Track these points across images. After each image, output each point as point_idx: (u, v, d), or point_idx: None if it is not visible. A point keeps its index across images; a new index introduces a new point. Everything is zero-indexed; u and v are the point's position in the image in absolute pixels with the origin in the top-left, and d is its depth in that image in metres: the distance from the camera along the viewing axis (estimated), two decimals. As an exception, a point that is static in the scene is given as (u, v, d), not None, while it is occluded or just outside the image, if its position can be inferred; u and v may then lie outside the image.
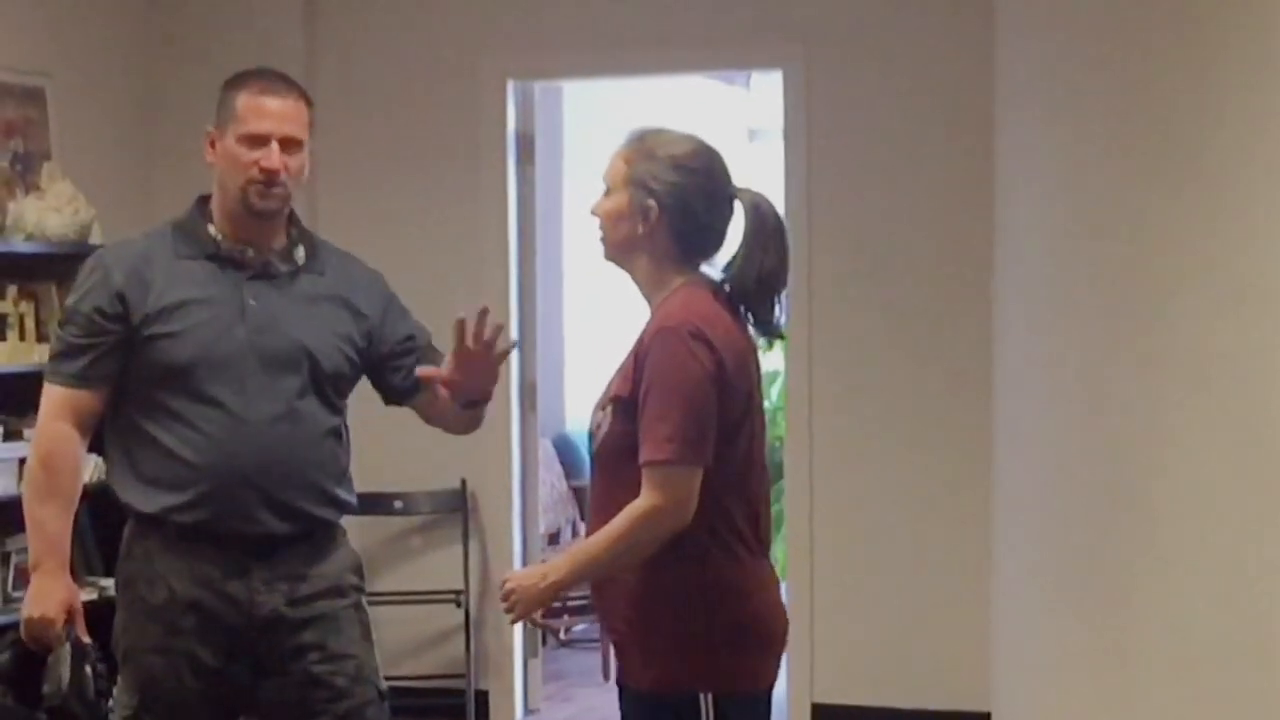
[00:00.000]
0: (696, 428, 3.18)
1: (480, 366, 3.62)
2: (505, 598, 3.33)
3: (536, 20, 6.94)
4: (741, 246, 3.35)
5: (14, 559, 5.99)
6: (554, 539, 8.66)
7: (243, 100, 3.71)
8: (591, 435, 3.39)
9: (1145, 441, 4.85)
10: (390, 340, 3.86)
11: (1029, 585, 5.49)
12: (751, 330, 3.40)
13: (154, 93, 7.10)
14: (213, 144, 3.75)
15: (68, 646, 3.60)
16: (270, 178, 3.68)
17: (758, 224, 3.35)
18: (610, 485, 3.29)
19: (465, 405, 3.77)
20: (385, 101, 7.01)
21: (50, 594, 3.65)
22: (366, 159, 7.04)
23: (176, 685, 3.67)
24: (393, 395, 3.92)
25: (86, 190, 6.27)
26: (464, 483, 6.96)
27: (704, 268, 3.39)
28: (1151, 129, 4.81)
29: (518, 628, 7.04)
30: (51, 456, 3.70)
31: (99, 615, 6.24)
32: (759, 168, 9.79)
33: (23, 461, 5.90)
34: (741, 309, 3.37)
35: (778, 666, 3.38)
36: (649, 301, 3.40)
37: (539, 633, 7.25)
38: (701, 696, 3.22)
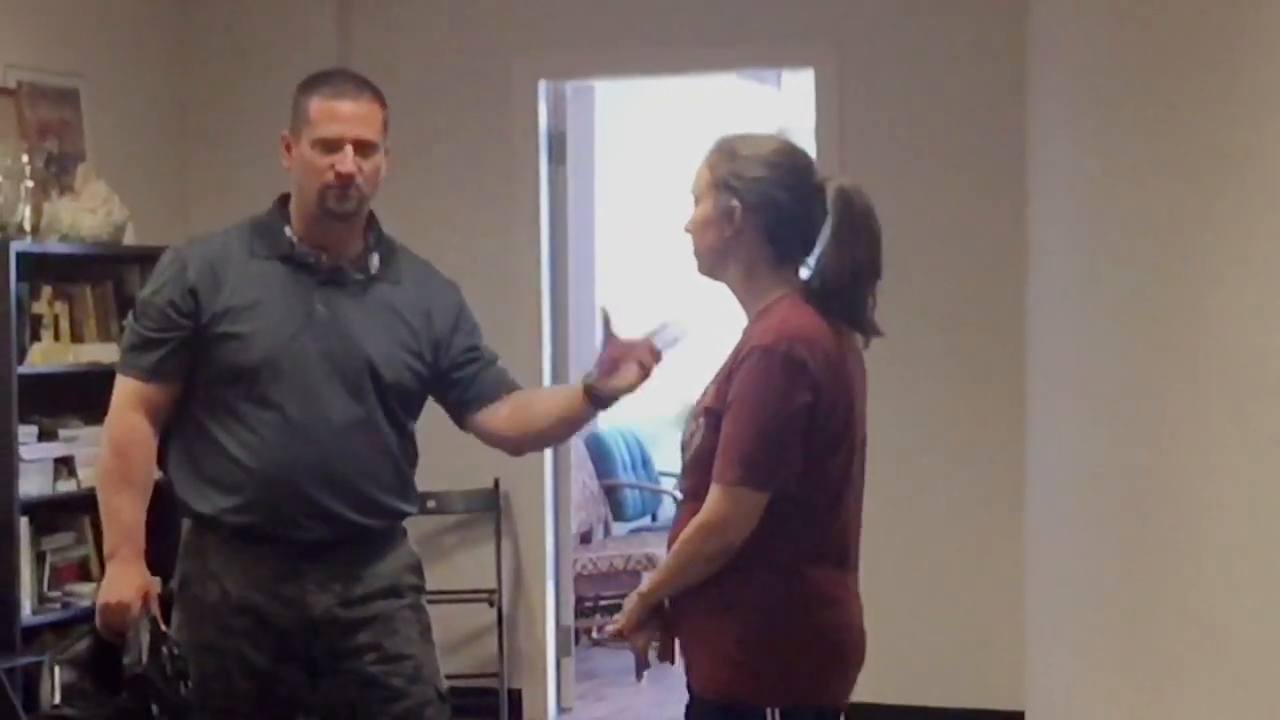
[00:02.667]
0: (770, 453, 3.14)
1: (630, 359, 3.67)
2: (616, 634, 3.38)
3: (568, 20, 6.95)
4: (830, 238, 3.22)
5: (50, 559, 6.02)
6: (586, 538, 8.67)
7: (315, 104, 3.69)
8: (684, 445, 3.36)
9: (1180, 441, 4.83)
10: (454, 351, 3.82)
11: (1063, 584, 5.48)
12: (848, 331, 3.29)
13: (188, 94, 7.12)
14: (288, 148, 3.74)
15: (146, 622, 3.59)
16: (345, 182, 3.66)
17: (846, 212, 3.22)
18: (697, 492, 3.25)
19: (594, 400, 3.73)
20: (418, 102, 7.01)
21: (127, 580, 3.65)
22: (399, 159, 6.98)
23: (227, 686, 3.67)
24: (451, 409, 3.87)
25: (121, 191, 6.29)
26: (497, 482, 6.97)
27: (801, 272, 3.29)
28: (1186, 127, 4.79)
29: (550, 627, 7.05)
30: (125, 446, 3.69)
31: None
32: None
33: (58, 462, 5.95)
34: (833, 307, 3.24)
35: (850, 684, 3.31)
36: (747, 312, 3.32)
37: (571, 631, 7.26)
38: (768, 711, 3.19)
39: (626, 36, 6.92)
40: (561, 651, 7.15)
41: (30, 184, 5.95)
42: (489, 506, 6.99)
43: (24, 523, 5.81)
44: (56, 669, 3.61)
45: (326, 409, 3.65)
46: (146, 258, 6.39)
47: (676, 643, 3.34)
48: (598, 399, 3.73)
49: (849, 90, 6.62)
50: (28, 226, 5.92)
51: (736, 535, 3.16)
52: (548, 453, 7.07)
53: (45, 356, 5.94)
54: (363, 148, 3.69)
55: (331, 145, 3.66)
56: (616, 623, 3.36)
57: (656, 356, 3.61)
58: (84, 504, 6.16)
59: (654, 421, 9.83)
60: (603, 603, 8.61)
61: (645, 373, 3.63)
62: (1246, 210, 4.59)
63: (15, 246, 5.76)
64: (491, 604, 6.90)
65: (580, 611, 7.95)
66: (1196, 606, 4.76)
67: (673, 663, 3.38)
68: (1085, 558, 5.32)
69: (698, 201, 3.34)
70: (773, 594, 3.20)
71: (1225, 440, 4.68)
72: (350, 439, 3.67)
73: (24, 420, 5.81)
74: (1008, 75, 6.24)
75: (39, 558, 5.97)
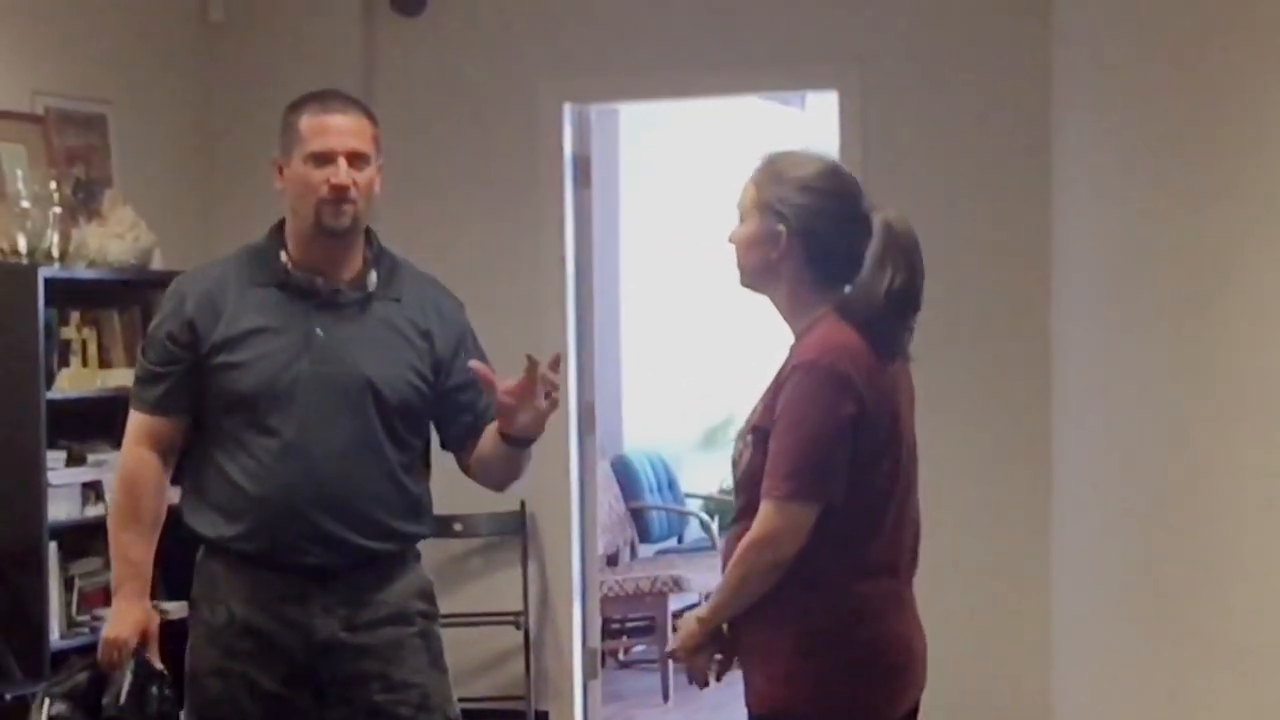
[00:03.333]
0: (817, 467, 3.17)
1: (533, 404, 3.57)
2: (674, 657, 3.40)
3: (593, 44, 6.97)
4: (869, 263, 3.27)
5: (78, 583, 6.03)
6: (612, 560, 8.68)
7: (305, 121, 3.68)
8: (734, 463, 3.38)
9: (1206, 458, 4.83)
10: (455, 377, 3.78)
11: (1090, 600, 5.47)
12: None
13: (214, 120, 7.16)
14: (280, 171, 3.73)
15: (132, 664, 3.62)
16: (340, 194, 3.64)
17: (888, 241, 3.27)
18: (749, 510, 3.27)
19: (509, 441, 3.66)
20: (443, 126, 7.04)
21: (127, 616, 3.68)
22: (425, 183, 7.08)
23: (234, 709, 3.67)
24: (445, 438, 3.85)
25: (147, 216, 6.32)
26: (523, 505, 6.98)
27: (846, 291, 3.32)
28: (1212, 146, 4.79)
29: (577, 649, 7.06)
30: (133, 481, 3.71)
31: (162, 638, 6.29)
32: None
33: (86, 487, 5.98)
34: (868, 331, 3.28)
35: (902, 699, 3.32)
36: (791, 328, 3.35)
37: (598, 653, 7.26)
38: None
39: (651, 60, 6.93)
40: (588, 673, 7.15)
41: (58, 210, 5.98)
42: (515, 529, 7.00)
43: (52, 548, 5.83)
44: (47, 700, 3.63)
45: (327, 434, 3.64)
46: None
47: (734, 661, 3.35)
48: (514, 440, 3.67)
49: (873, 112, 6.62)
50: (55, 252, 5.95)
51: (788, 549, 3.18)
52: (574, 475, 7.08)
53: (73, 382, 5.97)
54: (355, 159, 3.67)
55: (324, 158, 3.65)
56: (674, 644, 3.39)
57: (547, 392, 3.56)
58: (112, 528, 6.20)
59: (679, 444, 9.84)
60: (629, 624, 8.61)
61: (546, 409, 3.59)
62: (1274, 227, 4.59)
63: (43, 272, 5.79)
64: (518, 626, 6.90)
65: (607, 633, 7.96)
66: (1224, 624, 4.75)
67: (720, 681, 3.39)
68: (1112, 574, 5.32)
69: (743, 218, 3.36)
70: (823, 609, 3.23)
71: (1251, 457, 4.67)
72: (353, 463, 3.65)
73: (52, 446, 5.84)
74: (1031, 96, 6.24)
75: (67, 583, 5.98)
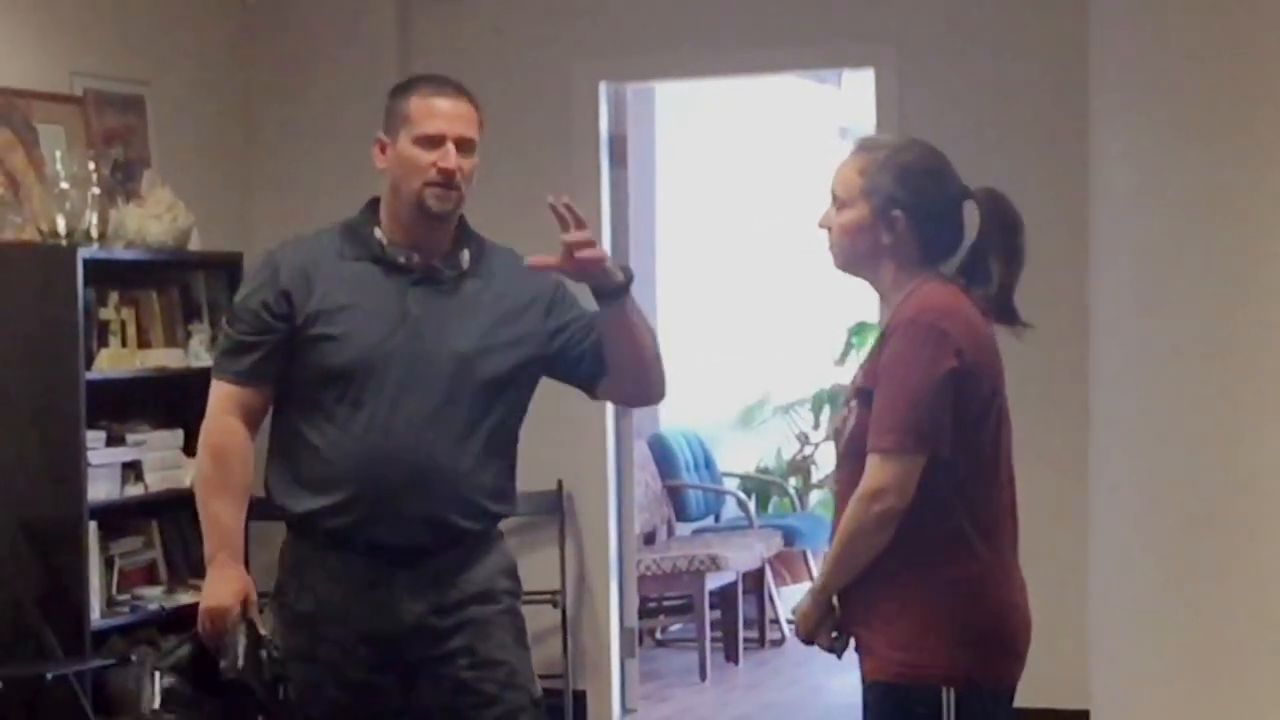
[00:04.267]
0: (921, 417, 3.18)
1: (582, 261, 3.60)
2: (796, 631, 3.41)
3: (628, 22, 6.96)
4: (980, 242, 3.37)
5: (118, 563, 6.06)
6: (649, 539, 8.68)
7: (415, 103, 3.70)
8: (837, 433, 3.40)
9: (1248, 436, 4.81)
10: (560, 332, 3.77)
11: (1127, 582, 5.46)
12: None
13: (251, 100, 7.18)
14: (383, 150, 3.73)
15: (243, 627, 3.59)
16: (448, 178, 3.65)
17: (993, 219, 3.37)
18: (853, 474, 3.27)
19: (599, 299, 3.65)
20: (479, 104, 7.03)
21: (225, 584, 3.65)
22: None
23: (318, 695, 3.66)
24: (586, 383, 3.81)
25: (185, 197, 6.34)
26: (560, 484, 6.99)
27: (942, 268, 3.38)
28: (1255, 117, 4.77)
29: (614, 628, 7.07)
30: (222, 451, 3.69)
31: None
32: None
33: (125, 467, 6.01)
34: (991, 306, 3.36)
35: (1020, 666, 3.34)
36: (887, 303, 3.39)
37: (635, 632, 7.27)
38: (944, 690, 3.21)
39: (686, 38, 6.92)
40: (626, 652, 7.16)
41: (97, 191, 6.00)
42: (552, 508, 7.01)
43: (93, 527, 5.86)
44: (157, 674, 3.62)
45: (421, 409, 3.63)
46: (212, 263, 6.46)
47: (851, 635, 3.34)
48: (602, 296, 3.67)
49: (909, 89, 6.60)
50: (94, 233, 5.97)
51: (896, 502, 3.18)
52: (610, 454, 7.08)
53: (113, 362, 5.99)
54: (463, 145, 3.70)
55: (434, 141, 3.66)
56: (795, 624, 3.39)
57: (582, 235, 3.59)
58: (152, 508, 6.22)
59: (716, 422, 9.84)
60: (666, 603, 8.62)
61: (594, 255, 3.62)
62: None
63: (82, 253, 5.82)
64: (555, 605, 6.92)
65: (644, 612, 7.97)
66: (1266, 606, 4.74)
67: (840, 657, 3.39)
68: (1152, 558, 5.30)
69: (844, 204, 3.38)
70: (941, 572, 3.23)
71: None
72: (445, 439, 3.64)
73: (92, 426, 5.86)
74: (1069, 73, 6.21)
75: (107, 562, 6.01)
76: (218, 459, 3.70)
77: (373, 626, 3.65)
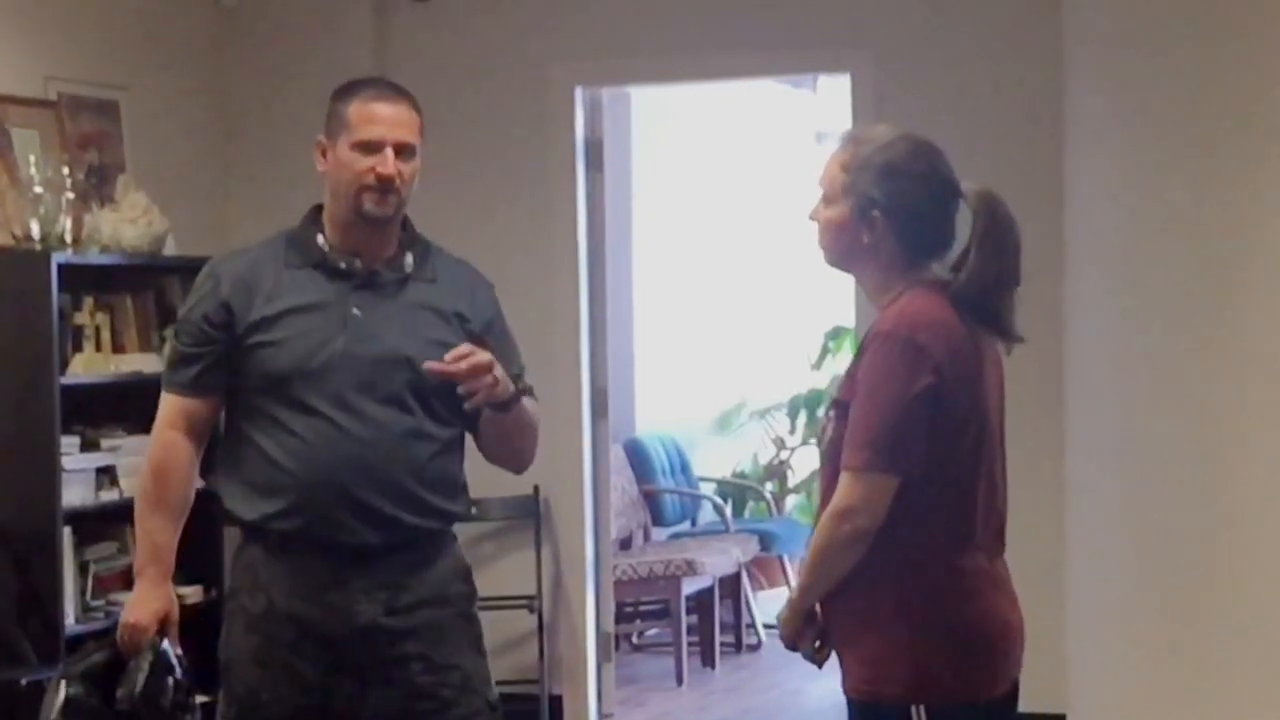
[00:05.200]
0: (894, 436, 3.14)
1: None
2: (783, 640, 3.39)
3: (605, 27, 6.96)
4: (975, 248, 3.25)
5: (93, 568, 6.05)
6: (625, 544, 8.68)
7: (354, 108, 3.71)
8: (819, 439, 3.37)
9: (1223, 440, 4.83)
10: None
11: (1106, 585, 5.47)
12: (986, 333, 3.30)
13: (227, 106, 7.16)
14: (324, 153, 3.75)
15: (150, 654, 3.62)
16: (385, 184, 3.67)
17: (990, 222, 3.27)
18: (831, 483, 3.24)
19: (491, 409, 3.66)
20: (455, 110, 7.03)
21: (147, 602, 3.70)
22: (436, 167, 6.99)
23: (274, 697, 3.67)
24: (467, 425, 3.83)
25: (161, 202, 6.32)
26: (536, 489, 6.98)
27: (935, 267, 3.30)
28: (1226, 127, 4.79)
29: (590, 633, 7.06)
30: (163, 466, 3.73)
31: (180, 622, 6.30)
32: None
33: (100, 472, 5.99)
34: (978, 313, 3.26)
35: (1001, 678, 3.28)
36: (876, 305, 3.32)
37: (611, 637, 7.27)
38: (913, 708, 3.18)
39: (663, 43, 6.93)
40: (602, 657, 7.16)
41: (71, 195, 5.99)
42: (529, 513, 7.00)
43: (67, 532, 5.84)
44: (64, 682, 3.63)
45: (367, 410, 3.65)
46: (187, 268, 6.43)
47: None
48: (494, 407, 3.68)
49: (885, 95, 6.61)
50: (69, 238, 5.95)
51: (868, 520, 3.15)
52: (587, 459, 7.08)
53: (87, 367, 5.98)
54: (402, 151, 3.70)
55: (372, 147, 3.67)
56: (779, 630, 3.37)
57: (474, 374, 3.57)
58: (127, 513, 6.13)
59: (692, 427, 9.84)
60: (643, 608, 8.62)
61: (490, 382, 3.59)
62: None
63: (56, 258, 5.80)
64: (532, 610, 6.91)
65: (620, 617, 7.96)
66: (1242, 607, 4.75)
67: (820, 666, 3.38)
68: (1128, 559, 5.31)
69: (829, 200, 3.32)
70: (918, 589, 3.20)
71: (1269, 440, 4.67)
72: (393, 439, 3.66)
73: (66, 431, 5.85)
74: (1044, 79, 6.22)
75: (82, 567, 5.99)
76: (157, 475, 3.74)
77: (326, 628, 3.65)
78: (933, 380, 3.15)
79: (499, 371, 3.61)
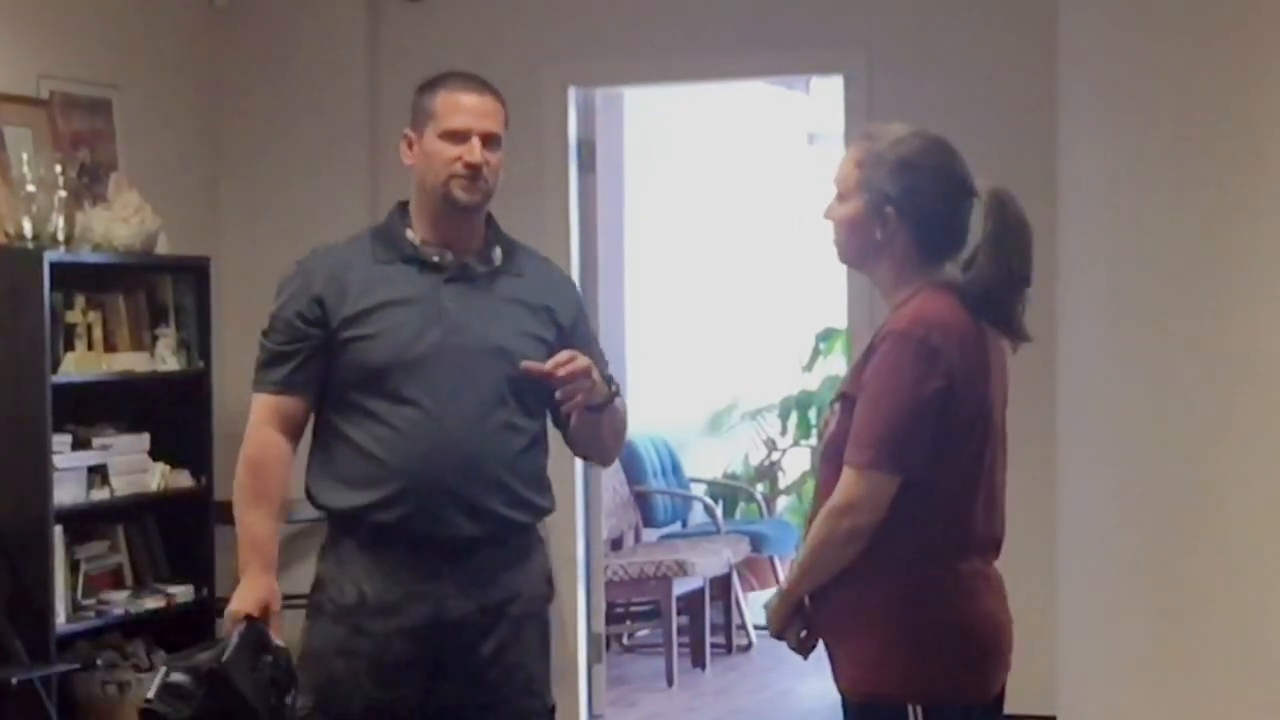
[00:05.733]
0: (901, 437, 3.13)
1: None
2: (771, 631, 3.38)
3: (597, 27, 6.96)
4: (986, 246, 3.23)
5: (84, 567, 6.04)
6: (617, 544, 8.68)
7: (441, 98, 3.75)
8: (820, 432, 3.37)
9: (1212, 446, 4.83)
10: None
11: (1096, 588, 5.47)
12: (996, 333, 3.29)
13: (219, 103, 7.16)
14: (410, 146, 3.78)
15: (243, 627, 3.59)
16: (473, 171, 3.71)
17: (1001, 221, 3.25)
18: (831, 478, 3.24)
19: (587, 410, 3.69)
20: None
21: (251, 591, 3.67)
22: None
23: (355, 688, 3.66)
24: (558, 423, 3.84)
25: (153, 200, 6.32)
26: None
27: (948, 266, 3.29)
28: (1218, 135, 4.79)
29: (581, 633, 7.06)
30: (259, 462, 3.73)
31: (171, 621, 6.30)
32: (818, 171, 9.80)
33: (91, 470, 5.99)
34: (985, 311, 3.25)
35: (996, 679, 3.29)
36: (889, 302, 3.31)
37: (602, 638, 7.27)
38: (910, 707, 3.17)
39: (656, 43, 6.93)
40: (593, 658, 7.16)
41: (63, 194, 5.99)
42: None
43: (58, 531, 5.84)
44: (165, 668, 3.58)
45: (461, 402, 3.65)
46: (179, 266, 6.44)
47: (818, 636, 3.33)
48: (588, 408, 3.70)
49: (878, 96, 6.61)
50: (61, 236, 5.95)
51: (867, 519, 3.15)
52: (577, 460, 7.07)
53: (79, 365, 5.97)
54: (488, 140, 3.75)
55: (459, 136, 3.71)
56: (767, 618, 3.37)
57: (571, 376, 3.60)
58: (118, 512, 6.21)
59: (684, 428, 9.84)
60: (634, 609, 8.62)
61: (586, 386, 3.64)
62: (1278, 219, 4.59)
63: (49, 256, 5.80)
64: (523, 610, 6.90)
65: (611, 618, 7.96)
66: (1232, 610, 4.76)
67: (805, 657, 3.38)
68: (1119, 563, 5.32)
69: (843, 197, 3.30)
70: (908, 588, 3.19)
71: (1257, 445, 4.68)
72: (487, 431, 3.66)
73: (58, 429, 5.84)
74: (1038, 83, 6.22)
75: (73, 566, 5.99)
76: (254, 469, 3.74)
77: (417, 621, 3.65)
78: (944, 383, 3.15)
79: (596, 375, 3.64)
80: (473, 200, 3.73)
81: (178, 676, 3.55)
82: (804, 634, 3.32)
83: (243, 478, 3.76)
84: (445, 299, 3.71)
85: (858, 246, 3.31)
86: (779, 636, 3.36)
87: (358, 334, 3.68)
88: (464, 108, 3.74)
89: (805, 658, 3.39)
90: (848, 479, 3.16)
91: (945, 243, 3.28)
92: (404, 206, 3.83)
